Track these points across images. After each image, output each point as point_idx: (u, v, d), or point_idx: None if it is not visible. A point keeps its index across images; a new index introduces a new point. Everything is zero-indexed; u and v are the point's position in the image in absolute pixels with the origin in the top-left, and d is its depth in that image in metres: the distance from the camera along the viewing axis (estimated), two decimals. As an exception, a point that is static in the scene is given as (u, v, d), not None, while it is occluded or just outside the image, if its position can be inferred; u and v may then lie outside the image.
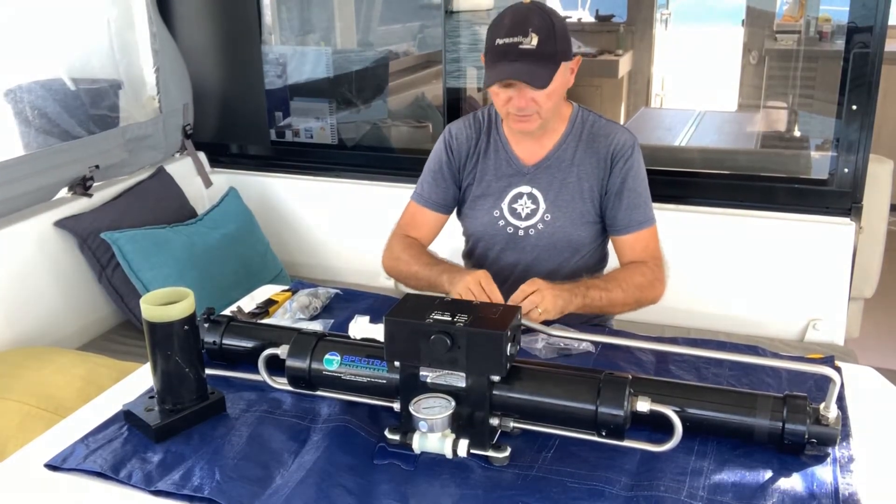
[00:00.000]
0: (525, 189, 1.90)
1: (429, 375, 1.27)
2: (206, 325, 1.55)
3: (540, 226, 1.90)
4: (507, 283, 1.97)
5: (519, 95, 1.74)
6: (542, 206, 1.90)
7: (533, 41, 1.68)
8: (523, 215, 1.91)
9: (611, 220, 1.89)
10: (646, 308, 1.84)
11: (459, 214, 2.04)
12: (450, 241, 2.11)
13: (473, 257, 2.04)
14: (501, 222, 1.93)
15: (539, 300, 1.63)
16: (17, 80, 2.60)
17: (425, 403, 1.26)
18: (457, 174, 1.98)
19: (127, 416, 1.40)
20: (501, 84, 1.74)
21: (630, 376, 1.28)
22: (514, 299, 1.64)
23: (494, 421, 1.27)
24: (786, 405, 1.24)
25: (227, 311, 1.72)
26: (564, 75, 1.78)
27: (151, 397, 1.41)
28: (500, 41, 1.71)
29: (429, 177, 2.00)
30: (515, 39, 1.69)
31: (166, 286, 1.40)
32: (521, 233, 1.92)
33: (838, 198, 2.37)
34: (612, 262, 2.02)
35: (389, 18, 3.84)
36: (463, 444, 1.24)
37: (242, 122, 3.10)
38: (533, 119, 1.78)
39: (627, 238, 1.88)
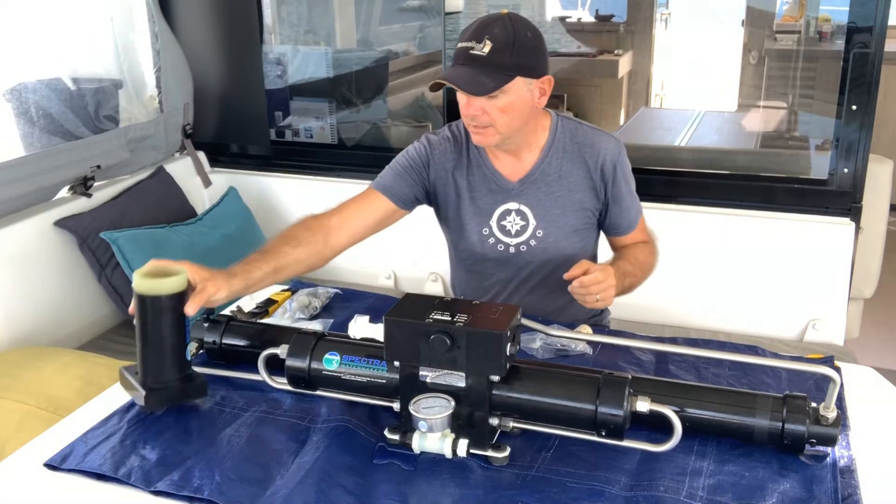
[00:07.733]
0: (512, 206, 1.84)
1: (428, 375, 1.27)
2: (206, 324, 1.55)
3: (532, 242, 1.85)
4: (500, 299, 1.94)
5: (467, 103, 1.68)
6: (533, 222, 1.84)
7: (485, 48, 1.62)
8: (513, 232, 1.86)
9: (613, 226, 1.88)
10: (645, 308, 1.84)
11: (447, 230, 1.96)
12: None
13: (465, 274, 1.98)
14: (492, 240, 1.87)
15: (600, 278, 1.58)
16: (17, 78, 2.60)
17: (425, 403, 1.26)
18: (427, 181, 1.88)
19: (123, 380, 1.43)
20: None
21: (630, 376, 1.28)
22: (573, 273, 1.58)
23: (494, 421, 1.27)
24: (785, 405, 1.24)
25: (226, 311, 1.72)
26: (526, 92, 1.68)
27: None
28: (458, 44, 1.67)
29: (397, 168, 1.88)
30: (469, 44, 1.64)
31: None
32: (511, 250, 1.87)
33: (838, 198, 2.37)
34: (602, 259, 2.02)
35: (389, 18, 3.84)
36: (462, 444, 1.24)
37: (242, 122, 3.10)
38: (489, 133, 1.70)
39: (629, 235, 1.90)
